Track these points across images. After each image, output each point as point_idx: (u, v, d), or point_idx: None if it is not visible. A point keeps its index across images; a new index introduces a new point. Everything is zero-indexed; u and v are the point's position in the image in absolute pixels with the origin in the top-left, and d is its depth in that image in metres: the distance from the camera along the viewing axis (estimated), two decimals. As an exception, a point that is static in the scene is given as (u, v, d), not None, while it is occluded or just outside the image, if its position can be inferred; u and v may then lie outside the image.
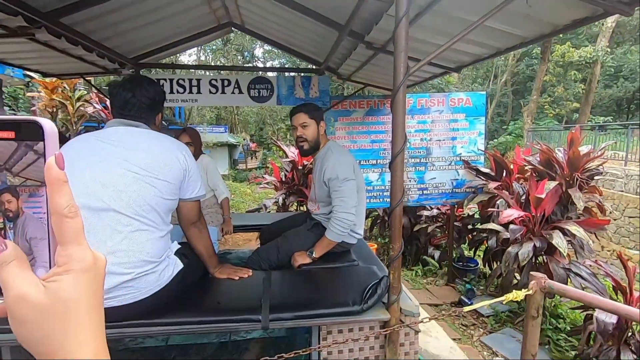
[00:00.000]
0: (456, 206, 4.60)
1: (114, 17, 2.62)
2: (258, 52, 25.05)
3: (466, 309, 1.47)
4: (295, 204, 5.72)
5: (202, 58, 23.35)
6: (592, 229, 3.25)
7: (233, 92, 3.83)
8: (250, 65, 23.50)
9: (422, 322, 1.46)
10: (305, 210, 3.58)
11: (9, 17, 2.00)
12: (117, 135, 1.45)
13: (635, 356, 2.48)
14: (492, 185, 4.00)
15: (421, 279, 4.90)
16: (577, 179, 3.46)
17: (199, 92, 3.76)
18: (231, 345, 2.03)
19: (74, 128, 8.98)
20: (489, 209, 4.05)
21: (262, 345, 2.02)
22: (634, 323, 2.50)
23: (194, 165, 1.56)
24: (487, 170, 4.35)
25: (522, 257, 3.10)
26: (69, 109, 8.83)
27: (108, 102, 6.83)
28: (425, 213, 5.22)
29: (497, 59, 18.09)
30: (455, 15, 2.06)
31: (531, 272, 1.45)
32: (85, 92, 9.27)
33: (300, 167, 5.61)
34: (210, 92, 3.78)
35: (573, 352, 3.15)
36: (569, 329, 3.37)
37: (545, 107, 19.60)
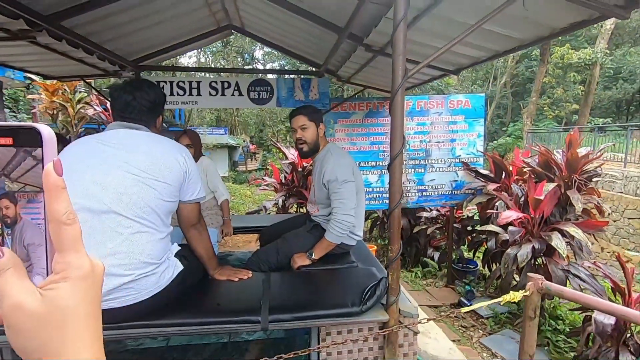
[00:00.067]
0: (455, 208, 4.61)
1: (114, 20, 2.63)
2: (258, 54, 25.11)
3: (464, 310, 1.48)
4: (295, 206, 5.73)
5: (202, 60, 23.41)
6: (591, 230, 3.26)
7: (233, 94, 3.84)
8: (250, 67, 23.53)
9: (420, 322, 1.46)
10: (304, 212, 3.59)
11: (10, 20, 2.01)
12: (118, 137, 1.46)
13: (634, 357, 2.49)
14: (491, 186, 4.01)
15: (421, 280, 4.91)
16: (575, 181, 3.47)
17: (199, 94, 3.78)
18: (231, 346, 2.03)
19: (75, 130, 8.99)
20: (488, 211, 4.06)
21: (262, 347, 2.03)
22: (632, 324, 2.51)
23: (194, 168, 1.57)
24: (486, 172, 4.36)
25: (521, 259, 3.11)
26: (69, 111, 8.85)
27: (108, 105, 6.85)
28: (425, 214, 5.24)
29: (497, 61, 18.13)
30: (454, 18, 2.07)
31: (528, 274, 1.46)
32: (86, 94, 9.29)
33: (300, 169, 5.63)
34: (210, 94, 3.80)
35: (572, 354, 3.15)
36: (568, 330, 3.37)
37: (545, 108, 19.64)
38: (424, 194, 4.44)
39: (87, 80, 4.11)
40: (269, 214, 5.90)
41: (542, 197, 3.26)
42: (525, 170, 4.26)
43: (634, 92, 19.82)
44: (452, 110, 4.32)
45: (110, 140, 1.45)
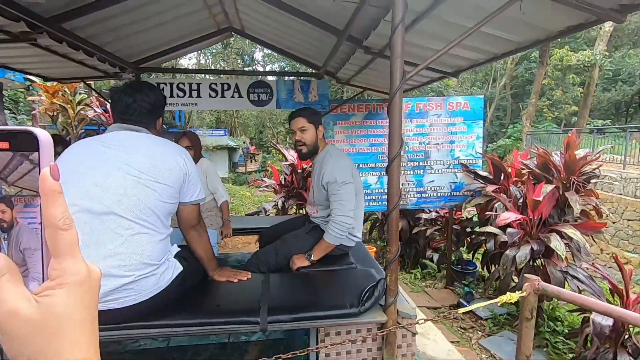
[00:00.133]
0: (454, 209, 4.62)
1: (115, 22, 2.65)
2: (258, 55, 25.14)
3: (461, 310, 1.49)
4: (295, 207, 5.74)
5: (202, 61, 23.42)
6: (589, 231, 3.27)
7: (233, 96, 3.85)
8: (250, 68, 23.58)
9: (417, 323, 1.47)
10: (304, 213, 3.60)
11: (11, 22, 2.02)
12: (118, 139, 1.47)
13: (632, 358, 2.49)
14: (490, 188, 4.03)
15: (420, 282, 4.92)
16: (573, 182, 3.48)
17: (198, 96, 3.79)
18: (230, 347, 2.04)
19: (75, 132, 9.01)
20: (487, 212, 4.07)
21: (261, 347, 2.03)
22: (630, 325, 2.52)
23: (193, 169, 1.58)
24: (485, 174, 4.38)
25: (519, 260, 3.12)
26: (69, 113, 8.87)
27: (108, 106, 6.86)
28: (424, 216, 5.24)
29: (496, 63, 18.16)
30: (452, 21, 2.09)
31: (525, 275, 1.47)
32: (86, 95, 9.31)
33: (299, 171, 5.64)
34: (210, 96, 3.81)
35: (571, 355, 3.16)
36: (566, 331, 3.38)
37: (544, 110, 19.68)
38: (423, 195, 4.46)
39: (88, 82, 4.13)
40: (269, 215, 5.91)
41: (540, 199, 3.27)
42: (523, 172, 4.27)
43: (633, 94, 19.86)
44: (451, 112, 4.34)
45: (111, 142, 1.46)
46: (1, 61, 3.02)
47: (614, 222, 8.51)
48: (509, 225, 3.44)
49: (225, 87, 3.83)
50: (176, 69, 7.80)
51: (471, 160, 4.41)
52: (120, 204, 1.36)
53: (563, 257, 3.03)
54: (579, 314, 3.17)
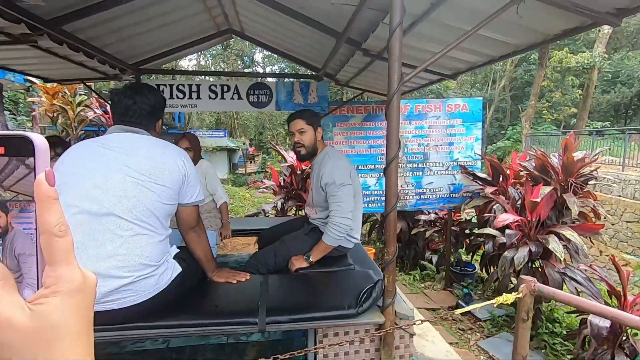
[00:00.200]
0: (453, 211, 4.63)
1: (115, 24, 2.66)
2: (258, 57, 25.17)
3: (457, 311, 1.50)
4: (294, 209, 5.75)
5: (202, 63, 23.46)
6: (587, 233, 3.28)
7: (232, 98, 3.86)
8: (250, 70, 23.61)
9: (414, 324, 1.48)
10: (303, 214, 3.62)
11: (12, 24, 2.04)
12: (118, 141, 1.48)
13: (629, 359, 2.50)
14: (489, 190, 4.04)
15: (419, 283, 4.92)
16: (571, 184, 3.49)
17: (198, 97, 3.80)
18: (229, 347, 2.05)
19: (74, 133, 9.02)
20: (486, 214, 4.08)
21: (260, 348, 2.04)
22: (627, 327, 2.53)
23: (192, 171, 1.59)
24: (484, 175, 4.39)
25: (517, 262, 3.12)
26: (69, 114, 8.89)
27: (108, 107, 6.87)
28: (423, 217, 5.25)
29: (495, 65, 18.21)
30: (450, 24, 2.11)
31: (521, 276, 1.48)
32: (86, 97, 9.33)
33: (298, 172, 5.65)
34: (210, 97, 3.82)
35: (569, 356, 3.17)
36: (565, 333, 3.39)
37: (544, 112, 19.71)
38: (422, 197, 4.47)
39: (88, 83, 4.14)
40: (268, 216, 5.92)
41: (538, 200, 3.28)
42: (522, 173, 4.28)
43: (632, 96, 19.92)
44: (450, 114, 4.35)
45: (111, 143, 1.47)
46: (1, 62, 3.03)
47: (613, 224, 8.53)
48: (507, 226, 3.45)
49: (225, 88, 3.84)
50: (176, 71, 7.82)
51: (470, 162, 4.43)
52: (119, 205, 1.37)
53: (561, 259, 3.04)
54: (577, 316, 3.18)
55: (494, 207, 4.07)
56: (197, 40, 3.85)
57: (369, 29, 2.41)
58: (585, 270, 3.13)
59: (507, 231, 3.40)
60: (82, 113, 9.06)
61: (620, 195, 8.67)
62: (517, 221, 3.40)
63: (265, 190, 6.43)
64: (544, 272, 3.21)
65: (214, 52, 22.13)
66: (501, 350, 3.29)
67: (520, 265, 3.14)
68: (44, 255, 0.30)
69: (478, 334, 3.69)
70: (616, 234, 8.49)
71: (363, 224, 6.05)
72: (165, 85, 3.75)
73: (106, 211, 1.36)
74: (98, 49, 2.91)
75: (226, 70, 21.85)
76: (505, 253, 3.31)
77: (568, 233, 3.09)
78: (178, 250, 1.69)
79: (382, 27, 2.19)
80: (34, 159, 0.31)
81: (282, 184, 5.92)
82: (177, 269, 1.59)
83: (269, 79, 4.03)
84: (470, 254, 4.84)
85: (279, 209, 5.70)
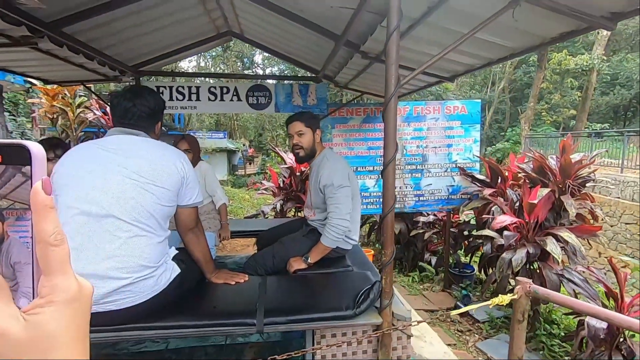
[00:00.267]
0: (452, 212, 4.65)
1: (115, 27, 2.68)
2: (258, 58, 25.24)
3: (453, 312, 1.51)
4: (293, 210, 5.76)
5: (202, 64, 23.51)
6: (585, 235, 3.29)
7: (232, 100, 3.88)
8: (250, 71, 23.66)
9: (411, 325, 1.49)
10: (302, 216, 3.63)
11: (12, 27, 2.05)
12: (117, 143, 1.50)
13: (626, 361, 2.51)
14: (487, 191, 4.05)
15: (418, 284, 4.93)
16: (569, 186, 3.51)
17: (198, 99, 3.82)
18: (227, 349, 2.06)
19: (74, 134, 9.04)
20: (484, 215, 4.10)
21: (258, 349, 2.05)
22: (624, 329, 2.54)
23: (191, 173, 1.61)
24: (482, 177, 4.40)
25: (515, 263, 3.14)
26: (69, 115, 8.90)
27: (108, 109, 6.88)
28: (422, 219, 5.27)
29: (495, 66, 18.26)
30: (447, 27, 2.12)
31: (517, 277, 1.49)
32: (86, 98, 9.34)
33: (298, 174, 5.66)
34: (209, 99, 3.83)
35: (567, 358, 3.18)
36: (562, 334, 3.40)
37: (543, 114, 19.76)
38: (421, 198, 4.48)
39: (87, 85, 4.15)
40: (267, 218, 5.93)
41: (536, 202, 3.30)
42: (520, 175, 4.30)
43: (631, 98, 19.96)
44: (448, 116, 4.37)
45: (110, 145, 1.48)
46: (1, 64, 3.05)
47: (612, 226, 8.54)
48: (505, 228, 3.46)
49: (225, 90, 3.85)
50: (175, 73, 7.85)
51: (468, 164, 4.44)
52: (119, 207, 1.39)
53: (559, 260, 3.05)
54: (575, 317, 3.19)
55: (493, 208, 4.08)
56: (197, 42, 3.87)
57: (367, 32, 2.43)
58: (583, 271, 3.14)
59: (505, 233, 3.41)
60: (82, 114, 9.07)
61: (619, 197, 8.68)
62: (515, 223, 3.41)
63: (264, 191, 6.44)
64: (541, 273, 3.22)
65: (214, 53, 22.18)
66: (499, 352, 3.30)
67: (518, 266, 3.15)
68: (39, 264, 0.29)
69: (476, 335, 3.70)
70: (615, 235, 8.50)
71: (362, 225, 6.07)
72: (164, 86, 3.76)
73: (105, 213, 1.37)
74: (98, 51, 2.92)
75: (226, 71, 21.92)
76: (503, 255, 3.32)
77: (565, 235, 3.11)
78: (177, 251, 1.70)
79: (380, 30, 2.21)
80: (31, 168, 0.30)
81: (281, 185, 5.93)
82: (176, 270, 1.60)
83: (269, 81, 4.04)
84: (469, 255, 4.85)
85: (278, 210, 5.71)
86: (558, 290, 3.07)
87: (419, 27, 2.15)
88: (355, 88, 4.40)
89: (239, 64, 23.64)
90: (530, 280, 1.42)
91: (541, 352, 3.30)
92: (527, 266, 3.35)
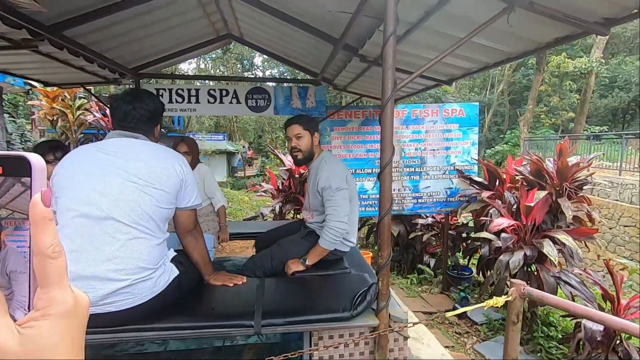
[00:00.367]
0: (450, 215, 4.66)
1: (115, 30, 2.70)
2: (257, 60, 25.30)
3: (448, 314, 1.52)
4: (292, 212, 5.77)
5: (202, 66, 23.55)
6: (582, 237, 3.31)
7: (231, 102, 3.90)
8: (249, 73, 23.70)
9: (406, 326, 1.51)
10: (301, 218, 3.65)
11: (13, 30, 2.07)
12: (117, 146, 1.51)
13: (623, 363, 2.53)
14: (485, 194, 4.07)
15: (416, 287, 4.94)
16: (566, 189, 3.53)
17: (197, 101, 3.84)
18: (226, 350, 2.07)
19: (74, 136, 9.05)
20: (482, 218, 4.11)
21: (256, 351, 2.06)
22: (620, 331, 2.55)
23: (190, 175, 1.62)
24: (480, 180, 4.42)
25: (512, 266, 3.15)
26: (69, 117, 8.91)
27: (107, 111, 6.90)
28: (421, 221, 5.28)
29: (493, 69, 18.31)
30: (443, 32, 2.15)
31: (511, 279, 1.51)
32: (86, 100, 9.36)
33: (297, 176, 5.68)
34: (209, 101, 3.85)
35: (564, 360, 3.19)
36: (560, 336, 3.41)
37: (542, 116, 19.82)
38: (419, 201, 4.50)
39: (87, 87, 4.17)
40: (266, 220, 5.94)
41: (533, 204, 3.31)
42: (517, 178, 4.32)
43: (629, 101, 20.04)
44: (446, 119, 4.39)
45: (110, 148, 1.50)
46: (2, 67, 3.07)
47: (610, 228, 8.57)
48: (503, 230, 3.48)
49: (224, 93, 3.88)
50: (175, 75, 7.88)
51: (467, 166, 4.46)
52: (118, 209, 1.40)
53: (555, 263, 3.07)
54: (572, 320, 3.21)
55: (491, 211, 4.10)
56: (197, 45, 3.89)
57: (365, 36, 2.45)
58: (580, 274, 3.15)
59: (503, 235, 3.42)
60: (81, 116, 9.08)
61: (617, 200, 8.71)
62: (512, 225, 3.43)
63: (263, 193, 6.46)
64: (539, 276, 3.24)
65: (213, 55, 22.22)
66: (497, 354, 3.31)
67: (516, 269, 3.16)
68: (36, 276, 0.29)
69: (474, 337, 3.71)
70: (614, 238, 8.53)
71: (361, 227, 6.08)
72: (164, 89, 3.78)
73: (105, 215, 1.38)
74: (98, 54, 2.94)
75: (226, 73, 21.96)
76: (501, 257, 3.33)
77: (562, 237, 3.12)
78: (175, 253, 1.72)
79: (378, 34, 2.23)
80: (31, 179, 0.30)
81: (280, 187, 5.94)
82: (175, 272, 1.61)
83: (268, 84, 4.07)
84: (468, 257, 4.87)
85: (277, 212, 5.72)
86: (555, 293, 3.08)
87: (416, 31, 2.18)
88: (354, 91, 4.42)
89: (238, 66, 23.68)
90: (525, 282, 1.44)
91: (539, 354, 3.31)
92: (525, 268, 3.36)
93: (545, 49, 2.09)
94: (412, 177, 4.45)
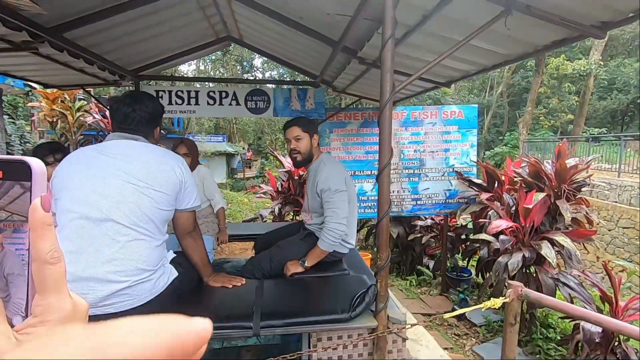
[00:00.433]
0: (449, 216, 4.67)
1: (115, 32, 2.71)
2: (257, 62, 25.32)
3: (446, 315, 1.53)
4: (292, 214, 5.77)
5: (202, 67, 23.58)
6: (580, 239, 3.32)
7: (230, 104, 3.91)
8: (249, 75, 23.74)
9: (405, 328, 1.51)
10: (300, 220, 3.65)
11: (13, 32, 2.08)
12: (117, 148, 1.52)
13: (621, 365, 2.53)
14: (484, 196, 4.08)
15: (415, 288, 4.95)
16: (564, 191, 3.54)
17: (197, 103, 3.84)
18: (224, 351, 2.07)
19: (73, 137, 9.05)
20: (481, 220, 4.12)
21: (255, 352, 2.06)
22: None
23: (189, 177, 1.63)
24: (479, 181, 4.43)
25: (511, 267, 3.16)
26: (68, 119, 8.92)
27: (107, 112, 6.91)
28: (420, 223, 5.28)
29: (492, 71, 18.34)
30: (442, 34, 2.16)
31: (509, 281, 1.52)
32: (85, 102, 9.37)
33: (296, 177, 5.68)
34: (208, 103, 3.86)
35: (563, 362, 3.19)
36: (559, 338, 3.42)
37: (541, 118, 19.86)
38: (419, 202, 4.51)
39: (87, 89, 4.18)
40: (265, 221, 5.94)
41: (531, 207, 3.32)
42: (516, 180, 4.33)
43: (628, 103, 20.09)
44: (445, 121, 4.41)
45: (110, 150, 1.51)
46: (2, 69, 3.07)
47: (609, 230, 8.57)
48: (501, 232, 3.48)
49: (223, 94, 3.88)
50: (175, 77, 7.89)
51: (466, 168, 4.48)
52: (118, 211, 1.41)
53: (554, 264, 3.07)
54: (571, 321, 3.21)
55: (489, 213, 4.11)
56: (196, 47, 3.90)
57: (364, 38, 2.46)
58: (579, 276, 3.16)
59: (501, 237, 3.43)
60: (81, 118, 9.09)
61: (616, 201, 8.72)
62: (511, 227, 3.44)
63: (263, 195, 6.46)
64: (538, 277, 3.25)
65: (213, 57, 22.25)
66: (496, 355, 3.31)
67: (514, 270, 3.17)
68: (34, 282, 0.29)
69: (473, 339, 3.71)
70: (613, 239, 8.53)
71: (360, 229, 6.09)
72: (164, 91, 3.79)
73: (105, 217, 1.39)
74: (98, 56, 2.95)
75: (225, 74, 21.98)
76: (500, 258, 3.34)
77: (561, 239, 3.13)
78: (175, 255, 1.72)
79: (376, 37, 2.24)
80: (31, 184, 0.30)
81: (279, 189, 5.95)
82: (174, 273, 1.61)
83: (267, 85, 4.08)
84: (467, 259, 4.88)
85: (276, 214, 5.73)
86: (554, 294, 3.09)
87: (414, 34, 2.19)
88: (353, 93, 4.43)
89: (238, 67, 23.71)
90: (522, 284, 1.44)
91: (537, 356, 3.31)
92: (524, 270, 3.37)
93: (543, 52, 2.10)
94: (411, 178, 4.47)
